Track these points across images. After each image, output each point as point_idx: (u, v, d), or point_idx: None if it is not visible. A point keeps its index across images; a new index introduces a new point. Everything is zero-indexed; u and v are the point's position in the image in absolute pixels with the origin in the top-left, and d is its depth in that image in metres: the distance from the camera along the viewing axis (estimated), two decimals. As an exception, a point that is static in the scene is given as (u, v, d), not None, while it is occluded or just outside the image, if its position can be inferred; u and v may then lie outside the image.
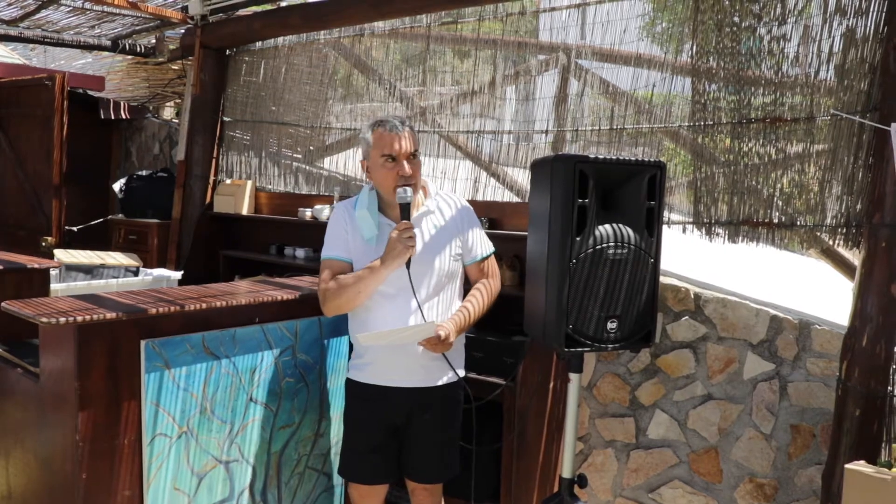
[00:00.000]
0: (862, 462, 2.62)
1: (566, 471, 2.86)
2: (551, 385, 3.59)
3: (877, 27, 3.12)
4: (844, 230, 3.23)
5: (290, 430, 3.23)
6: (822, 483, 3.13)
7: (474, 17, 4.66)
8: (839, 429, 3.08)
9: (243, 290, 3.28)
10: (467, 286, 3.04)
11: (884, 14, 3.09)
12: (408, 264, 2.80)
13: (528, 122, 4.45)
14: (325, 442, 3.40)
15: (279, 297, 3.18)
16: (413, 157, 2.86)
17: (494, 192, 4.51)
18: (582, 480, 2.88)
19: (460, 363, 3.06)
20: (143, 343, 2.68)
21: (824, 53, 3.31)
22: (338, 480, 3.45)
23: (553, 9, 4.42)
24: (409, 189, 2.79)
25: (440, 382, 2.97)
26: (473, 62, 4.67)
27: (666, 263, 3.66)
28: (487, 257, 3.06)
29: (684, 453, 3.66)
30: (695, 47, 3.61)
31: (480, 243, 3.04)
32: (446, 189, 3.88)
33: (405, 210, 2.79)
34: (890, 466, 2.58)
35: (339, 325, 3.37)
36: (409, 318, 2.85)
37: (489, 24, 4.67)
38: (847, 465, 2.57)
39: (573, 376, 2.79)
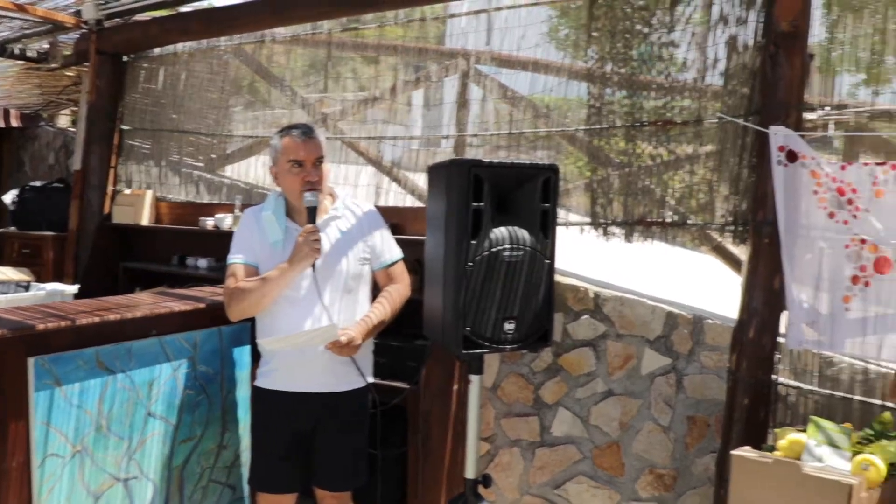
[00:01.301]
0: (747, 448, 2.74)
1: (469, 471, 2.89)
2: (455, 387, 3.63)
3: (756, 36, 3.27)
4: (732, 228, 3.37)
5: (192, 444, 3.18)
6: (715, 470, 3.25)
7: (376, 24, 4.68)
8: (730, 418, 3.21)
9: (139, 303, 3.21)
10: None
11: (762, 24, 3.23)
12: (314, 268, 2.82)
13: (429, 128, 4.49)
14: (229, 454, 3.35)
15: (176, 309, 3.13)
16: (319, 162, 2.90)
17: (396, 198, 4.54)
18: (486, 480, 2.92)
19: (368, 368, 3.07)
20: (30, 360, 2.59)
21: (710, 60, 3.44)
22: (244, 492, 3.41)
23: (453, 15, 4.46)
24: (315, 194, 2.83)
25: (348, 388, 2.97)
26: (375, 68, 4.69)
27: (565, 264, 3.75)
28: (395, 262, 3.09)
29: (587, 449, 3.75)
30: (590, 53, 3.70)
31: (388, 249, 3.08)
32: (350, 195, 3.89)
33: (312, 214, 2.83)
34: (772, 450, 2.70)
35: (241, 335, 3.33)
36: (315, 321, 2.86)
37: (391, 30, 4.70)
38: (733, 452, 2.68)
39: (473, 378, 2.83)
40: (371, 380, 3.06)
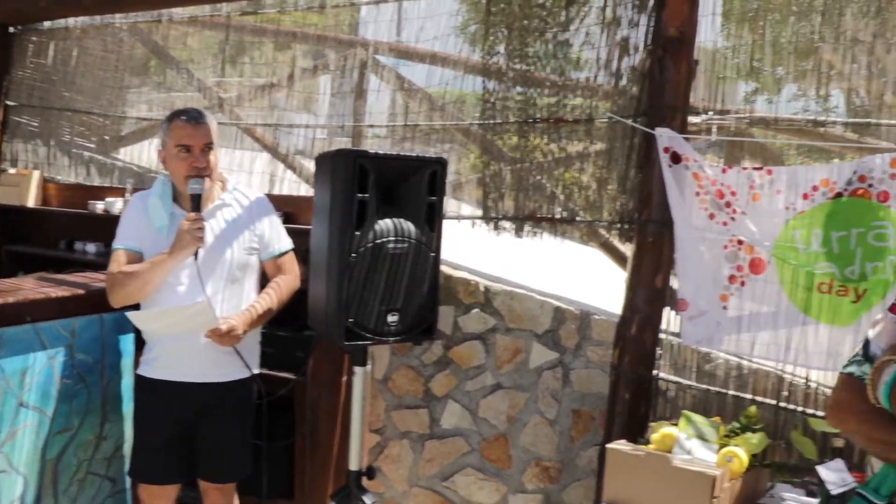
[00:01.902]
0: (623, 441, 2.82)
1: (353, 463, 2.89)
2: (343, 379, 3.61)
3: (646, 39, 3.34)
4: (619, 226, 3.45)
5: (69, 435, 3.06)
6: (598, 462, 3.33)
7: (275, 9, 4.60)
8: (612, 412, 3.30)
9: (17, 288, 3.09)
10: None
11: (652, 28, 3.31)
12: (196, 256, 2.78)
13: (327, 117, 4.45)
14: (109, 445, 3.25)
15: (54, 295, 3.02)
16: (208, 148, 2.85)
17: (291, 186, 4.49)
18: (371, 472, 2.92)
19: (254, 359, 3.03)
20: None
21: (602, 60, 3.50)
22: (125, 484, 3.32)
23: (353, 3, 4.43)
24: (201, 181, 2.79)
25: (232, 378, 2.94)
26: (274, 54, 4.61)
27: (457, 257, 3.78)
28: (284, 253, 3.06)
29: (476, 441, 3.79)
30: (486, 48, 3.73)
31: (277, 239, 3.04)
32: (243, 182, 3.83)
33: (196, 202, 2.79)
34: (647, 443, 2.78)
35: (124, 323, 3.23)
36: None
37: (290, 16, 4.63)
38: (608, 445, 2.76)
39: (358, 369, 2.82)
40: (257, 371, 3.02)
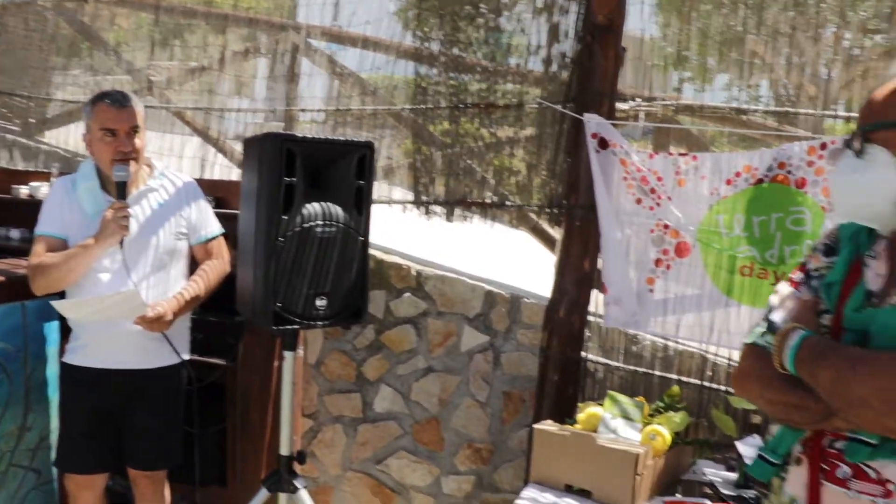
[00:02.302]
0: (549, 421, 2.87)
1: (284, 448, 2.89)
2: (275, 364, 3.59)
3: (576, 26, 3.38)
4: (548, 210, 3.49)
5: (-12, 427, 3.00)
6: (528, 443, 3.39)
7: (207, -10, 4.54)
8: (541, 393, 3.35)
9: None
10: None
11: (582, 15, 3.35)
12: (121, 244, 2.74)
13: (259, 101, 4.41)
14: (34, 436, 3.18)
15: (-31, 282, 2.94)
16: (134, 132, 2.80)
17: (222, 171, 4.44)
18: (301, 457, 2.92)
19: (183, 345, 3.00)
20: None
21: (533, 46, 3.53)
22: (52, 475, 3.25)
23: (288, -14, 4.40)
24: (126, 167, 2.74)
25: (160, 365, 2.90)
26: (205, 36, 4.54)
27: (389, 242, 3.79)
28: (214, 238, 3.02)
29: (408, 424, 3.81)
30: (418, 33, 3.73)
31: (206, 224, 3.01)
32: (173, 167, 3.78)
33: (121, 189, 2.74)
34: (574, 424, 2.84)
35: (48, 311, 3.16)
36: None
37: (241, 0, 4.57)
38: (535, 425, 2.80)
39: (287, 354, 2.82)
40: (186, 357, 2.99)
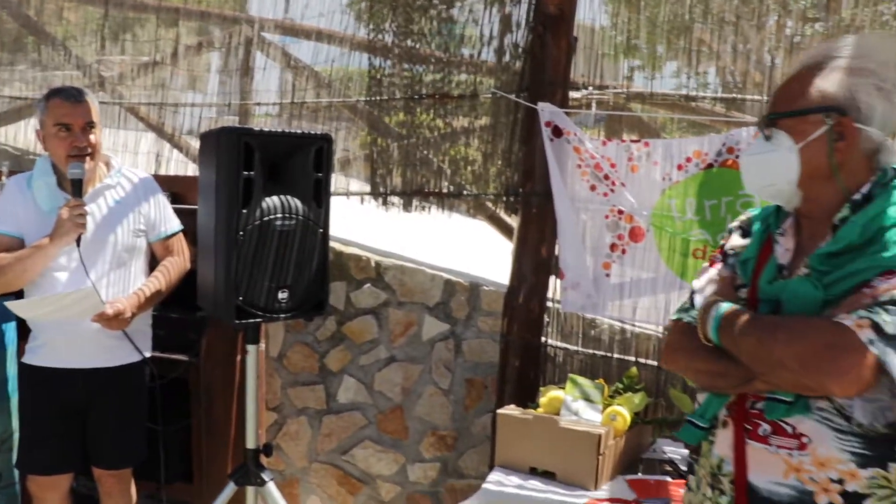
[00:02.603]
0: (512, 406, 2.92)
1: (250, 441, 2.90)
2: (238, 358, 3.59)
3: (527, 16, 3.42)
4: (505, 198, 3.54)
5: (-53, 429, 2.97)
6: (491, 428, 3.44)
7: (157, -16, 4.48)
8: (502, 378, 3.41)
9: None
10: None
11: (533, 5, 3.39)
12: (78, 242, 2.71)
13: (213, 95, 4.38)
14: (-7, 438, 3.16)
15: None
16: (89, 127, 2.78)
17: (177, 166, 4.40)
18: (268, 449, 2.94)
19: (145, 343, 2.99)
20: None
21: (486, 37, 3.57)
22: (14, 478, 3.23)
23: (240, -21, 4.37)
24: (81, 164, 2.72)
25: (122, 363, 2.89)
26: (157, 31, 4.50)
27: (348, 233, 3.81)
28: (173, 235, 3.02)
29: (372, 414, 3.84)
30: (372, 25, 3.74)
31: (165, 220, 3.00)
32: (128, 163, 3.74)
33: (77, 186, 2.71)
34: (536, 408, 2.90)
35: (4, 311, 3.12)
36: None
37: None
38: (498, 410, 2.85)
39: (250, 348, 2.83)
40: (148, 354, 2.99)
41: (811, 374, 1.39)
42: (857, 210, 1.51)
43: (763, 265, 1.62)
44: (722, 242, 1.79)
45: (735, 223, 1.79)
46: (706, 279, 1.72)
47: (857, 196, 1.52)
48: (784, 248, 1.62)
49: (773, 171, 1.58)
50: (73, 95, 2.79)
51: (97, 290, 2.73)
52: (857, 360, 1.36)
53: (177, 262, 2.99)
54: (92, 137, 2.79)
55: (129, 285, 2.88)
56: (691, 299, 1.72)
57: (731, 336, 1.53)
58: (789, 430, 1.50)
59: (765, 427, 1.53)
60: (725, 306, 1.57)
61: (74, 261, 2.76)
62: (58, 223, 2.68)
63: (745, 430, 1.56)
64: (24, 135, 4.90)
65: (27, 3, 4.84)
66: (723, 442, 1.60)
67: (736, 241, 1.74)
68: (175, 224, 3.03)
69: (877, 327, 1.36)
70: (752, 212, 1.76)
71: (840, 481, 1.45)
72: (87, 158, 2.76)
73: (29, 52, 4.99)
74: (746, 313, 1.54)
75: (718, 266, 1.74)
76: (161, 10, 4.41)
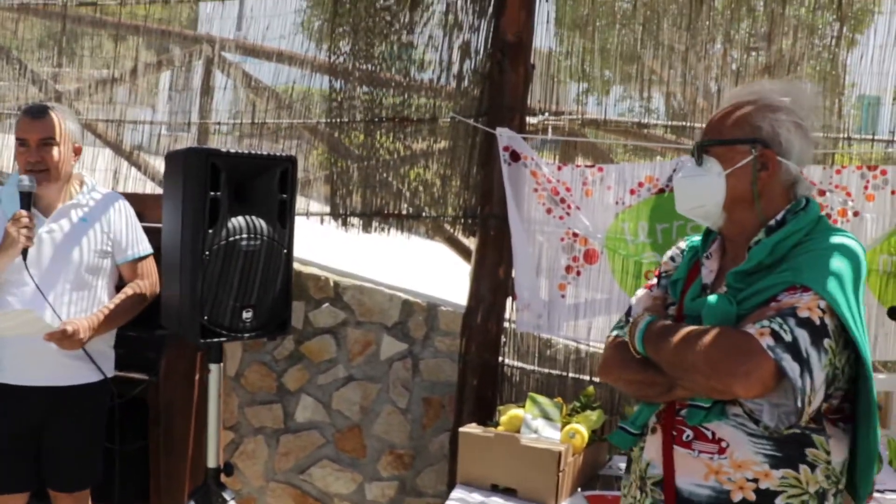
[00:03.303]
0: (473, 424, 2.98)
1: (211, 460, 2.90)
2: (197, 377, 3.58)
3: (486, 42, 3.51)
4: (462, 221, 3.61)
5: None
6: (449, 447, 3.50)
7: (116, 1, 4.46)
8: (461, 397, 3.46)
9: None
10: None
11: (491, 32, 3.49)
12: (24, 255, 2.70)
13: (172, 114, 4.38)
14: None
15: None
16: (46, 143, 2.79)
17: (136, 184, 4.39)
18: (228, 468, 2.94)
19: (107, 364, 2.98)
20: None
21: (445, 62, 3.65)
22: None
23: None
24: (30, 177, 2.73)
25: (81, 382, 2.87)
26: (115, 47, 4.48)
27: (307, 253, 3.84)
28: (142, 258, 3.02)
29: (330, 433, 3.86)
30: (333, 48, 3.79)
31: (134, 243, 3.00)
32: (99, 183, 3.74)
33: (25, 199, 2.72)
34: (496, 426, 2.96)
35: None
36: (41, 313, 2.73)
37: (133, 9, 4.50)
38: (460, 428, 2.91)
39: (213, 366, 2.84)
40: (110, 374, 2.98)
41: (719, 376, 1.52)
42: (770, 234, 1.66)
43: (689, 285, 1.77)
44: (658, 268, 1.94)
45: (671, 250, 1.94)
46: (641, 297, 1.88)
47: (772, 222, 1.67)
48: (709, 270, 1.77)
49: (703, 193, 1.73)
50: (33, 112, 2.83)
51: (57, 313, 2.73)
52: (758, 364, 1.48)
53: (142, 287, 2.98)
54: (53, 154, 2.80)
55: (93, 305, 2.88)
56: (627, 317, 1.85)
57: (653, 345, 1.67)
58: (709, 435, 1.62)
59: (688, 433, 1.65)
60: (650, 318, 1.71)
61: (31, 278, 2.74)
62: (4, 235, 2.69)
63: (672, 436, 1.67)
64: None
65: (-19, 17, 4.78)
66: (651, 447, 1.72)
67: (669, 264, 1.90)
68: (145, 247, 3.03)
69: (776, 335, 1.50)
70: (687, 240, 1.91)
71: (755, 480, 1.58)
72: (46, 174, 2.78)
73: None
74: (667, 324, 1.69)
75: (653, 286, 1.89)
76: (122, 27, 4.39)
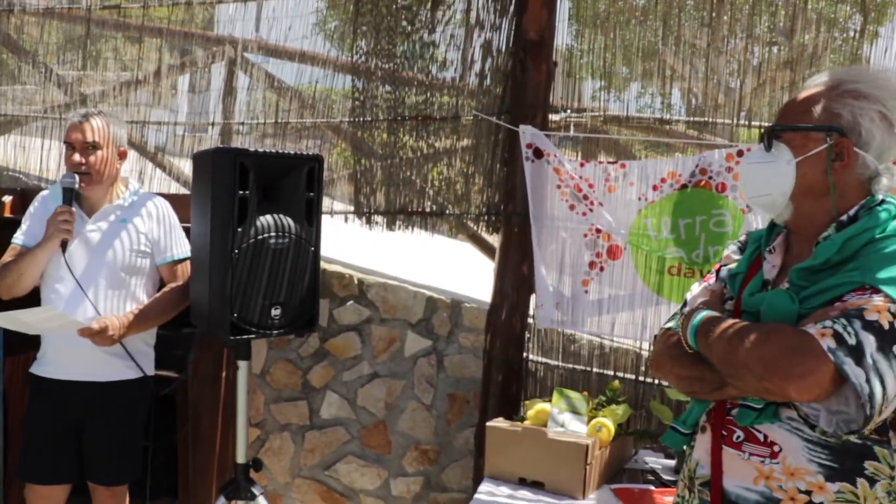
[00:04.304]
0: (500, 419, 3.00)
1: (240, 456, 2.93)
2: (224, 374, 3.63)
3: (507, 41, 3.53)
4: (486, 218, 3.63)
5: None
6: (474, 442, 3.52)
7: (138, 4, 4.51)
8: (486, 393, 3.48)
9: None
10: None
11: (513, 31, 3.50)
12: (63, 248, 2.81)
13: (196, 114, 4.42)
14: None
15: None
16: (90, 147, 2.90)
17: (161, 184, 4.43)
18: (257, 464, 2.97)
19: (146, 361, 3.05)
20: None
21: (468, 61, 3.67)
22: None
23: (221, 1, 4.42)
24: (72, 175, 2.85)
25: (121, 378, 2.95)
26: (139, 50, 4.53)
27: (331, 251, 3.86)
28: (181, 260, 3.07)
29: (355, 430, 3.89)
30: (355, 47, 3.82)
31: (173, 244, 3.07)
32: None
33: (66, 195, 2.84)
34: (523, 420, 2.98)
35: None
36: (79, 308, 2.84)
37: (155, 11, 4.55)
38: (488, 423, 2.92)
39: (241, 364, 2.87)
40: (151, 373, 3.05)
41: (772, 377, 1.42)
42: (841, 230, 1.55)
43: (750, 279, 1.69)
44: (718, 260, 1.86)
45: (733, 242, 1.86)
46: (698, 291, 1.79)
47: (843, 217, 1.57)
48: (771, 265, 1.68)
49: (770, 180, 1.62)
50: (81, 116, 2.95)
51: (97, 308, 2.81)
52: (816, 366, 1.38)
53: (179, 289, 3.03)
54: (93, 158, 2.90)
55: (129, 304, 2.94)
56: (682, 310, 1.77)
57: (705, 340, 1.58)
58: (761, 437, 1.55)
59: (738, 433, 1.58)
60: (704, 312, 1.63)
61: (72, 274, 2.83)
62: (46, 227, 2.81)
63: (722, 436, 1.61)
64: (2, 150, 4.88)
65: (6, 20, 4.84)
66: (700, 446, 1.67)
67: (731, 256, 1.81)
68: (184, 250, 3.08)
69: (838, 337, 1.39)
70: (748, 233, 1.83)
71: (808, 492, 1.49)
72: (89, 177, 2.89)
73: (7, 68, 4.99)
74: (721, 319, 1.60)
75: (711, 279, 1.81)
76: (145, 30, 4.44)
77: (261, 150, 2.68)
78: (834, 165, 1.56)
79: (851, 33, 3.42)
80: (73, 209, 2.83)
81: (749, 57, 3.64)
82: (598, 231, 3.27)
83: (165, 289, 3.03)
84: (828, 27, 3.40)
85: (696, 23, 3.60)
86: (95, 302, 2.85)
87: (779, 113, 1.69)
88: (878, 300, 1.42)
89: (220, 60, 4.36)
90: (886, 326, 1.39)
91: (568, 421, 2.84)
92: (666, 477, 2.81)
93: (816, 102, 1.61)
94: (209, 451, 3.56)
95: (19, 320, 2.76)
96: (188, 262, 3.08)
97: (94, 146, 2.91)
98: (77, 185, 2.85)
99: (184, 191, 4.41)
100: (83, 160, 2.88)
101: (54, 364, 2.92)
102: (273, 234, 2.66)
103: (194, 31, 4.46)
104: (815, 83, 1.65)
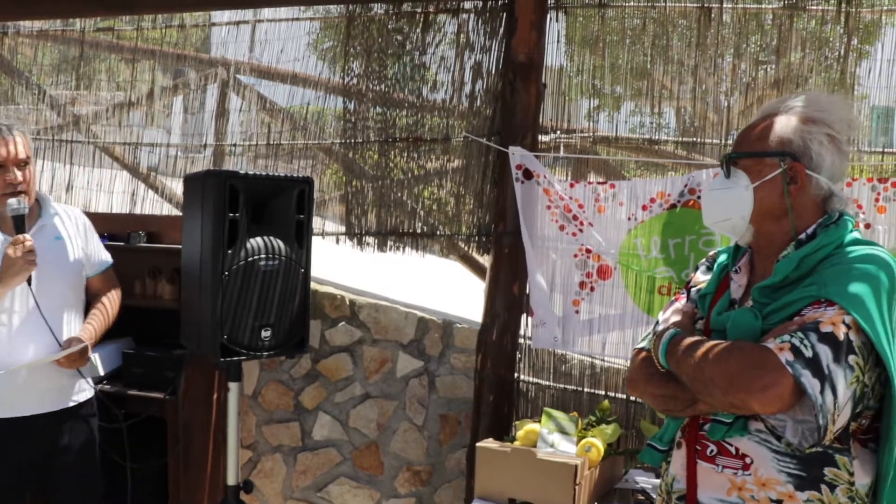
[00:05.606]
0: (490, 439, 3.00)
1: (231, 478, 2.94)
2: (215, 396, 3.63)
3: (497, 63, 3.56)
4: (477, 238, 3.64)
5: None
6: (466, 462, 3.51)
7: (132, 27, 4.55)
8: (477, 413, 3.48)
9: None
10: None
11: (503, 53, 3.54)
12: (29, 283, 2.66)
13: (188, 136, 4.44)
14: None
15: None
16: (24, 164, 2.70)
17: (153, 205, 4.45)
18: (248, 486, 2.97)
19: (91, 368, 3.00)
20: None
21: (458, 83, 3.70)
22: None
23: (214, 24, 4.46)
24: (21, 199, 2.64)
25: (78, 401, 2.88)
26: (133, 71, 4.56)
27: (322, 272, 3.88)
28: (109, 267, 3.05)
29: (347, 451, 3.88)
30: (346, 69, 3.85)
31: (100, 253, 3.04)
32: (104, 202, 3.79)
33: (19, 222, 2.63)
34: (513, 441, 2.98)
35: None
36: (39, 343, 2.70)
37: (149, 33, 4.59)
38: (477, 444, 2.93)
39: (232, 385, 2.88)
40: (101, 372, 3.03)
41: (736, 391, 1.51)
42: (799, 248, 1.63)
43: (718, 299, 1.76)
44: (688, 280, 1.92)
45: (701, 262, 1.93)
46: (669, 311, 1.85)
47: (802, 236, 1.65)
48: (738, 284, 1.76)
49: (730, 205, 1.71)
50: (2, 131, 2.67)
51: (57, 336, 2.72)
52: (776, 380, 1.45)
53: (117, 296, 3.02)
54: (28, 174, 2.72)
55: (79, 321, 2.89)
56: (654, 331, 1.83)
57: (675, 359, 1.65)
58: (733, 450, 1.62)
59: (712, 448, 1.65)
60: (674, 332, 1.70)
61: (21, 303, 2.70)
62: (6, 263, 2.59)
63: (696, 450, 1.68)
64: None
65: (1, 42, 4.87)
66: (676, 462, 1.73)
67: (700, 277, 1.88)
68: (108, 256, 3.07)
69: (796, 350, 1.47)
70: (718, 251, 1.89)
71: (779, 501, 1.56)
72: (24, 196, 2.67)
73: (1, 89, 5.00)
74: (688, 338, 1.67)
75: (682, 300, 1.87)
76: (138, 52, 4.47)
77: (251, 172, 2.70)
78: (790, 188, 1.64)
79: (839, 53, 3.45)
80: (23, 236, 2.61)
81: (738, 76, 3.68)
82: (589, 251, 3.29)
83: (109, 296, 2.98)
84: (816, 46, 3.43)
85: (686, 42, 3.63)
86: (52, 325, 2.72)
87: (736, 140, 1.78)
88: (831, 312, 1.50)
89: (213, 82, 4.38)
90: (841, 337, 1.48)
91: (558, 441, 2.84)
92: (656, 496, 2.80)
93: (769, 129, 1.69)
94: (200, 472, 3.55)
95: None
96: (112, 268, 3.06)
97: (26, 162, 2.71)
98: (26, 210, 2.64)
99: (176, 212, 4.43)
100: (20, 178, 2.67)
101: (9, 403, 2.70)
102: (263, 255, 2.68)
103: (187, 53, 4.49)
104: (768, 111, 1.74)
